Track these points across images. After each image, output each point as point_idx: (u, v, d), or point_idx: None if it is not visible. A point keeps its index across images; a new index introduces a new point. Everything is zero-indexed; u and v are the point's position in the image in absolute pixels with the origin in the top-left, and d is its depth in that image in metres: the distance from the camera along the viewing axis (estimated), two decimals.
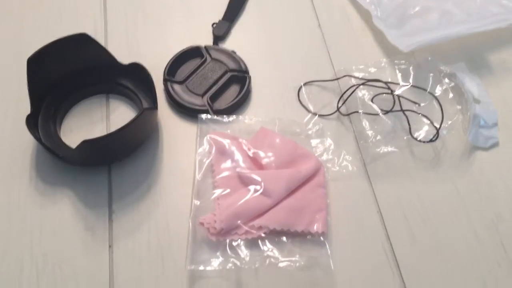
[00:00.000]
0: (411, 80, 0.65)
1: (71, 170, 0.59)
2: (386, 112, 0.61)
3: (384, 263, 0.54)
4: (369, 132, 0.60)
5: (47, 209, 0.57)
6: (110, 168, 0.59)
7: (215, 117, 0.62)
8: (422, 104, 0.63)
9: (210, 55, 0.67)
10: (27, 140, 0.60)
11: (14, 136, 0.61)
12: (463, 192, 0.58)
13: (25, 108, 0.59)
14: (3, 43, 0.70)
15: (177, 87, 0.65)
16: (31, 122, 0.58)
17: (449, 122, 0.61)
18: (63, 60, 0.61)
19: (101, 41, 0.64)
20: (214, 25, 0.72)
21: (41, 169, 0.59)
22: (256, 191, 0.55)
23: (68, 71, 0.63)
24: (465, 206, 0.57)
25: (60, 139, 0.60)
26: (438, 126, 0.60)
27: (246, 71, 0.66)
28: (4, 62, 0.68)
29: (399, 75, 0.66)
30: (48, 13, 0.74)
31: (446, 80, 0.65)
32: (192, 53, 0.68)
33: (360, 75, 0.66)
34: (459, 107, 0.63)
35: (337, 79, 0.66)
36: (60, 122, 0.62)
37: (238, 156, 0.58)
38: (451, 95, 0.64)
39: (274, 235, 0.54)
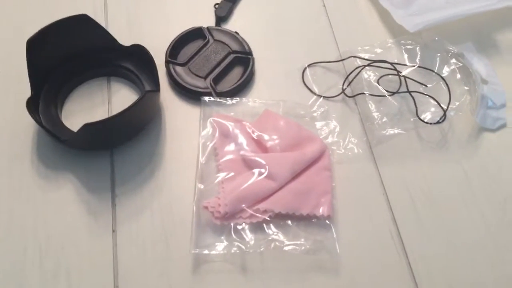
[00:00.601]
0: (417, 61, 0.64)
1: (73, 154, 0.58)
2: (392, 94, 0.60)
3: (390, 246, 0.53)
4: (375, 114, 0.59)
5: (49, 194, 0.56)
6: (112, 152, 0.59)
7: (218, 99, 0.61)
8: (429, 85, 0.62)
9: (212, 37, 0.66)
10: (28, 124, 0.59)
11: (15, 120, 0.60)
12: (471, 174, 0.58)
13: (26, 91, 0.58)
14: (1, 24, 0.69)
15: (179, 69, 0.64)
16: (32, 105, 0.57)
17: (457, 103, 0.60)
18: (63, 41, 0.60)
19: (102, 23, 0.62)
20: (217, 6, 0.71)
21: (42, 153, 0.58)
22: (260, 174, 0.54)
23: (68, 53, 0.61)
24: (472, 188, 0.57)
25: (62, 123, 0.59)
26: (445, 107, 0.59)
27: (249, 53, 0.65)
28: (3, 44, 0.67)
29: (405, 56, 0.65)
30: None
31: (454, 60, 0.63)
32: (194, 34, 0.67)
33: (366, 56, 0.64)
34: (466, 88, 0.62)
35: (342, 60, 0.65)
36: (61, 105, 0.61)
37: (242, 139, 0.58)
38: (458, 75, 0.63)
39: (279, 218, 0.53)
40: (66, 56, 0.62)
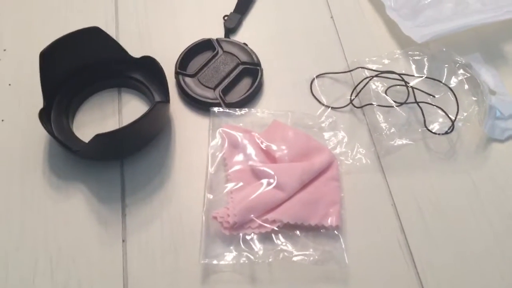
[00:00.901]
0: (425, 72, 0.64)
1: (84, 164, 0.59)
2: (400, 104, 0.61)
3: (399, 256, 0.53)
4: (383, 125, 0.60)
5: (60, 204, 0.57)
6: (122, 162, 0.59)
7: (227, 110, 0.62)
8: (437, 96, 0.62)
9: (221, 48, 0.67)
10: (40, 135, 0.60)
11: (27, 131, 0.61)
12: (479, 185, 0.58)
13: (38, 102, 0.59)
14: (14, 36, 0.71)
15: (189, 80, 0.64)
16: (44, 116, 0.58)
17: (465, 114, 0.60)
18: (75, 53, 0.61)
19: (112, 35, 0.63)
20: (226, 18, 0.71)
21: (54, 163, 0.59)
22: (269, 184, 0.55)
23: (80, 65, 0.62)
24: (480, 199, 0.57)
25: (73, 133, 0.60)
26: (453, 118, 0.59)
27: (258, 64, 0.66)
28: (15, 56, 0.68)
29: (413, 67, 0.65)
30: (58, 6, 0.73)
31: (461, 71, 0.64)
32: (203, 46, 0.67)
33: (374, 67, 0.65)
34: (474, 98, 0.62)
35: (350, 71, 0.66)
36: (72, 116, 0.62)
37: (250, 149, 0.58)
38: (466, 86, 0.63)
39: (287, 229, 0.53)
40: (78, 67, 0.62)
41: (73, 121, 0.62)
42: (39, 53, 0.57)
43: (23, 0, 0.74)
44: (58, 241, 0.54)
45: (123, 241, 0.54)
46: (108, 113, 0.63)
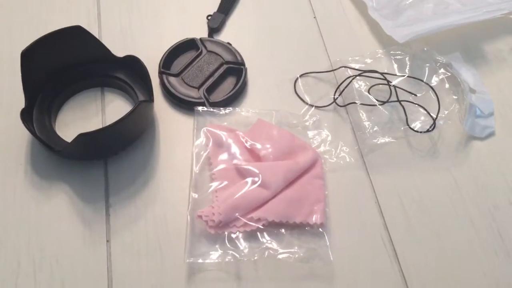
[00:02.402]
0: (407, 71, 0.65)
1: (67, 164, 0.58)
2: (383, 103, 0.61)
3: (383, 252, 0.54)
4: (366, 123, 0.60)
5: (43, 204, 0.56)
6: (106, 162, 0.59)
7: (212, 109, 0.62)
8: (418, 95, 0.63)
9: (205, 47, 0.67)
10: (22, 134, 0.59)
11: (9, 130, 0.60)
12: (460, 182, 0.59)
13: (19, 101, 0.58)
14: None
15: (172, 79, 0.64)
16: (26, 116, 0.57)
17: (446, 112, 0.61)
18: (57, 53, 0.60)
19: (95, 34, 0.63)
20: (209, 17, 0.71)
21: (36, 163, 0.59)
22: (254, 183, 0.55)
23: (62, 64, 0.62)
24: (462, 196, 0.58)
25: (56, 133, 0.59)
26: (434, 116, 0.60)
27: (242, 63, 0.66)
28: None
29: (395, 66, 0.66)
30: (40, 5, 0.72)
31: (442, 70, 0.65)
32: (187, 45, 0.67)
33: (356, 66, 0.65)
34: (455, 97, 0.63)
35: (333, 70, 0.66)
36: (55, 115, 0.62)
37: (235, 148, 0.58)
38: (447, 85, 0.64)
39: (272, 227, 0.54)
40: (60, 67, 0.62)
41: (56, 121, 0.61)
42: (20, 53, 0.56)
43: None
44: (41, 241, 0.54)
45: (107, 241, 0.54)
46: (91, 113, 0.62)
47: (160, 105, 0.64)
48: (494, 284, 0.52)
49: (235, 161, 0.57)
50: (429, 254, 0.54)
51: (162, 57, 0.66)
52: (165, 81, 0.64)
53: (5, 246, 0.53)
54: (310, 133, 0.61)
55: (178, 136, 0.61)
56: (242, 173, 0.56)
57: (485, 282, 0.52)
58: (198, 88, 0.64)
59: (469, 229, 0.56)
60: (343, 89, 0.64)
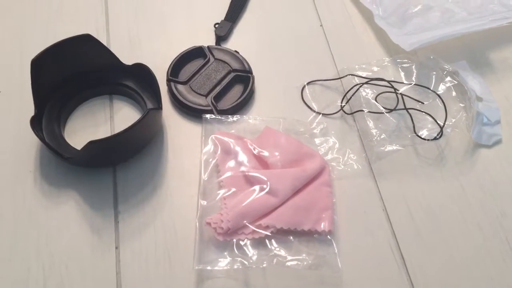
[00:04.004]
0: (414, 79, 0.65)
1: (76, 171, 0.59)
2: (390, 111, 0.62)
3: (391, 260, 0.54)
4: (374, 131, 0.61)
5: (52, 211, 0.56)
6: (115, 169, 0.59)
7: (220, 117, 0.62)
8: (425, 103, 0.63)
9: (213, 55, 0.68)
10: (32, 142, 0.60)
11: (18, 138, 0.61)
12: (467, 189, 0.59)
13: (29, 109, 0.58)
14: (4, 43, 0.70)
15: (180, 87, 0.65)
16: (36, 123, 0.58)
17: (453, 120, 0.62)
18: (66, 61, 0.61)
19: (104, 42, 0.63)
20: (217, 26, 0.72)
21: (45, 170, 0.59)
22: (262, 190, 0.55)
23: (71, 72, 0.62)
24: (469, 203, 0.58)
25: (65, 140, 0.60)
26: (441, 124, 0.61)
27: (249, 71, 0.66)
28: (7, 64, 0.68)
29: (402, 74, 0.66)
30: (49, 13, 0.73)
31: (449, 78, 0.65)
32: (195, 53, 0.68)
33: (363, 74, 0.66)
34: (462, 105, 0.63)
35: (340, 78, 0.66)
36: (64, 123, 0.62)
37: (243, 155, 0.59)
38: (454, 93, 0.64)
39: (281, 234, 0.54)
40: (69, 75, 0.62)
41: (65, 128, 0.62)
42: (30, 61, 0.57)
43: (14, 8, 0.74)
44: (50, 248, 0.54)
45: (116, 248, 0.54)
46: (100, 121, 0.63)
47: (168, 113, 0.64)
48: None
49: (243, 169, 0.57)
50: (437, 261, 0.54)
51: (170, 65, 0.66)
52: (173, 88, 0.64)
53: (15, 253, 0.54)
54: (318, 141, 0.62)
55: (186, 144, 0.61)
56: (250, 181, 0.56)
57: None
58: (206, 95, 0.64)
59: (477, 236, 0.56)
60: (350, 97, 0.64)
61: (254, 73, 0.66)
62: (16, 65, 0.67)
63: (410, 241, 0.55)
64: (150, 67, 0.61)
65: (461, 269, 0.54)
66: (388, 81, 0.64)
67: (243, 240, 0.53)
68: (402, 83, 0.65)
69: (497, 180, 0.59)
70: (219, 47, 0.69)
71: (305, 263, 0.52)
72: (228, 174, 0.57)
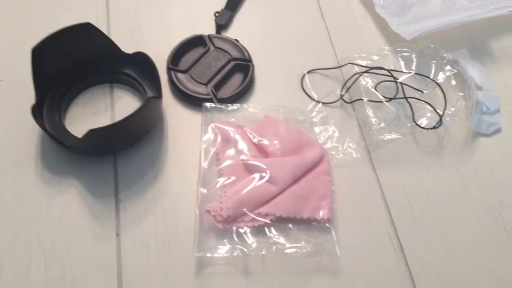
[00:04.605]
0: (414, 68, 0.65)
1: (77, 159, 0.59)
2: (389, 100, 0.62)
3: (389, 248, 0.54)
4: (373, 120, 0.61)
5: (53, 199, 0.57)
6: (115, 157, 0.60)
7: (220, 105, 0.62)
8: (425, 91, 0.63)
9: (213, 44, 0.68)
10: (33, 130, 0.60)
11: (20, 126, 0.61)
12: (466, 178, 0.59)
13: (30, 98, 0.59)
14: (4, 31, 0.70)
15: (181, 76, 0.65)
16: (37, 112, 0.58)
17: (452, 109, 0.62)
18: (67, 49, 0.61)
19: (104, 31, 0.63)
20: (217, 14, 0.72)
21: (46, 159, 0.59)
22: (261, 178, 0.55)
23: (72, 61, 0.63)
24: (468, 192, 0.58)
25: (66, 129, 0.60)
26: (441, 113, 0.61)
27: (249, 60, 0.66)
28: (7, 52, 0.68)
29: (402, 63, 0.66)
30: (50, 2, 0.73)
31: (449, 67, 0.65)
32: (195, 42, 0.68)
33: (363, 63, 0.66)
34: (461, 94, 0.63)
35: (340, 67, 0.67)
36: (64, 112, 0.62)
37: (243, 144, 0.59)
38: (453, 82, 0.64)
39: (280, 222, 0.54)
40: (70, 63, 0.63)
41: (65, 117, 0.62)
42: (31, 49, 0.57)
43: None
44: (51, 236, 0.54)
45: (117, 235, 0.55)
46: (101, 109, 0.63)
47: (168, 101, 0.64)
48: (500, 279, 0.53)
49: (242, 157, 0.58)
50: (435, 250, 0.54)
51: (171, 54, 0.66)
52: (174, 77, 0.64)
53: (16, 241, 0.54)
54: (317, 129, 0.62)
55: (186, 132, 0.62)
56: (250, 169, 0.57)
57: (491, 278, 0.53)
58: (206, 84, 0.64)
59: (475, 225, 0.56)
60: (350, 86, 0.64)
61: (254, 62, 0.66)
62: (17, 54, 0.67)
63: (408, 229, 0.55)
64: (151, 56, 0.61)
65: (459, 257, 0.54)
66: (388, 70, 0.64)
67: (242, 228, 0.53)
68: (402, 72, 0.65)
69: (495, 169, 0.60)
70: (219, 35, 0.69)
71: (304, 250, 0.52)
72: (228, 162, 0.58)
